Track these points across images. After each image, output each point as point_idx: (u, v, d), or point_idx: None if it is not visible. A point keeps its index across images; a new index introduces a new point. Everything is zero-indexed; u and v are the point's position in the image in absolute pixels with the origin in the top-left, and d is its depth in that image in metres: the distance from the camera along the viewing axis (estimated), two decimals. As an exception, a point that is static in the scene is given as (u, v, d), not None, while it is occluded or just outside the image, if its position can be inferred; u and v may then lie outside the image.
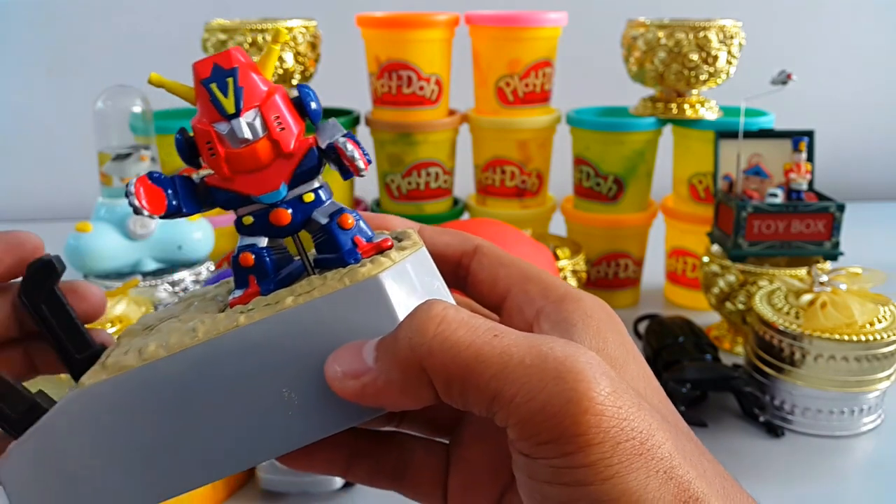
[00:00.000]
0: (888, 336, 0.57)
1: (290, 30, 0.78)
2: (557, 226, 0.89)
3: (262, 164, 0.24)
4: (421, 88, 0.82)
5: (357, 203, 0.91)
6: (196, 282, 0.72)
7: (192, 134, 0.25)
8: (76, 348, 0.26)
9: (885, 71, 1.32)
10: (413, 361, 0.21)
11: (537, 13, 0.80)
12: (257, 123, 0.24)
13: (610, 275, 0.86)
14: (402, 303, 0.23)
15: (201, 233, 0.72)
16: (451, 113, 0.87)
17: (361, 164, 0.24)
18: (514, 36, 0.81)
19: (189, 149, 0.24)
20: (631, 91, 0.88)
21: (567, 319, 0.25)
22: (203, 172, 0.25)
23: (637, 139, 0.82)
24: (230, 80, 0.24)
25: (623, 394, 0.20)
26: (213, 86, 0.24)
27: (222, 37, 0.77)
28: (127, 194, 0.24)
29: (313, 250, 0.26)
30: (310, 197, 0.25)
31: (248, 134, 0.24)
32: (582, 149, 0.85)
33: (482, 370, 0.20)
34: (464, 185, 0.93)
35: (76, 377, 0.25)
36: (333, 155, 0.24)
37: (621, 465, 0.19)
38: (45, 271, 0.26)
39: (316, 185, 0.25)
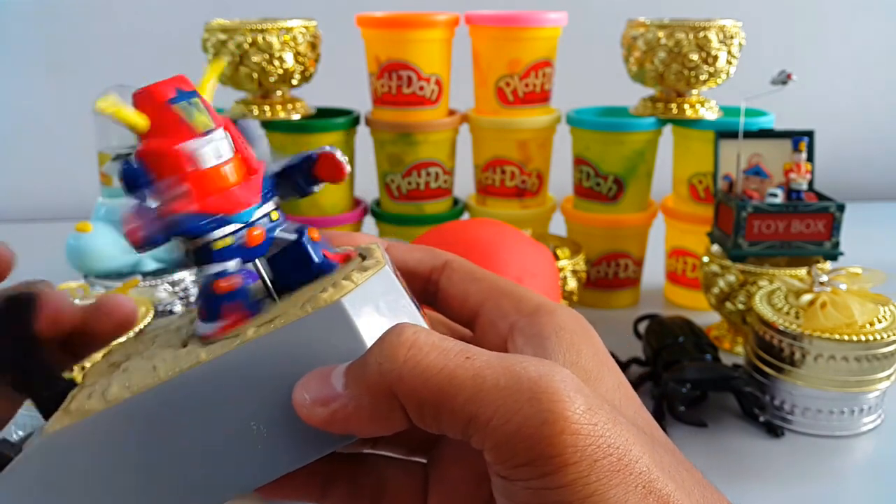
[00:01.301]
0: (888, 336, 0.57)
1: (289, 30, 0.78)
2: (557, 226, 0.89)
3: (234, 182, 0.23)
4: (421, 88, 0.82)
5: (357, 203, 0.91)
6: (196, 282, 0.72)
7: (138, 163, 0.23)
8: (44, 386, 0.25)
9: (886, 71, 1.32)
10: (383, 387, 0.20)
11: (537, 13, 0.80)
12: (227, 142, 0.24)
13: (610, 275, 0.86)
14: (368, 326, 0.23)
15: (201, 233, 0.72)
16: (451, 113, 0.87)
17: (348, 168, 0.24)
18: (514, 36, 0.81)
19: (143, 177, 0.23)
20: (631, 91, 0.88)
21: (540, 333, 0.25)
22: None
23: (637, 139, 0.82)
24: (197, 99, 0.23)
25: (598, 410, 0.20)
26: (183, 104, 0.23)
27: (222, 37, 0.77)
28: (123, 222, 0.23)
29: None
30: (276, 216, 0.25)
31: (224, 151, 0.23)
32: (582, 149, 0.85)
33: (456, 394, 0.20)
34: (464, 185, 0.93)
35: (44, 412, 0.24)
36: (307, 165, 0.24)
37: (599, 482, 0.19)
38: (21, 306, 0.25)
39: (274, 205, 0.25)
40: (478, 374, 0.20)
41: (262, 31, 0.76)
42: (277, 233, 0.24)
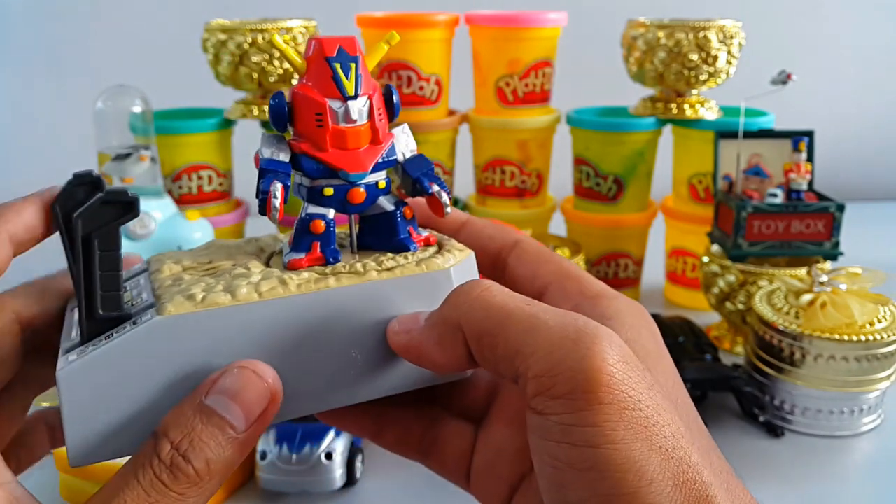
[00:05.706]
0: (888, 336, 0.57)
1: (289, 30, 0.78)
2: (557, 226, 0.89)
3: (359, 145, 0.27)
4: (421, 88, 0.82)
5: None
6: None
7: (288, 100, 0.27)
8: (104, 304, 0.25)
9: (885, 71, 1.32)
10: (453, 318, 0.24)
11: (537, 13, 0.80)
12: (365, 109, 0.27)
13: (610, 275, 0.86)
14: None
15: (201, 233, 0.72)
16: (451, 113, 0.87)
17: (449, 210, 0.28)
18: (513, 36, 0.81)
19: (286, 114, 0.27)
20: (631, 91, 0.88)
21: (602, 315, 0.27)
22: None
23: (637, 139, 0.82)
24: (353, 65, 0.27)
25: (635, 369, 0.21)
26: (338, 65, 0.26)
27: (222, 37, 0.77)
28: (269, 199, 0.25)
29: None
30: (383, 184, 0.28)
31: (359, 117, 0.26)
32: (582, 149, 0.85)
33: (511, 325, 0.22)
34: (464, 185, 0.93)
35: (86, 336, 0.24)
36: (418, 191, 0.28)
37: (626, 432, 0.20)
38: (124, 209, 0.25)
39: (385, 175, 0.28)
40: (533, 315, 0.22)
41: (262, 31, 0.76)
42: (380, 199, 0.28)
